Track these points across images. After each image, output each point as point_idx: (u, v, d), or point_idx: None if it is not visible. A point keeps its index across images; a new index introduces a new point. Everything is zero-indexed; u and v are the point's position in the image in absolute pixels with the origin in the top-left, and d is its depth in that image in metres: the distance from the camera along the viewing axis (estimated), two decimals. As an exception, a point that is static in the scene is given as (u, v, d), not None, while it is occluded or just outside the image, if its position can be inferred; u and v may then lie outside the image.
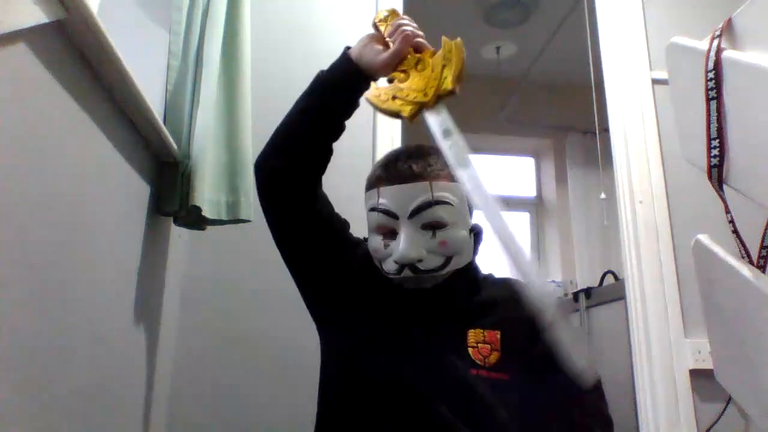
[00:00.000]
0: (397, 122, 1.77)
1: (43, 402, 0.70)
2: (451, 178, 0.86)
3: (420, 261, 0.83)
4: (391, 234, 0.86)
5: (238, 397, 1.47)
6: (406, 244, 0.82)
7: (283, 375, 1.48)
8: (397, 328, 0.88)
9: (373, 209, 0.87)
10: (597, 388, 0.90)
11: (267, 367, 1.49)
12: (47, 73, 0.67)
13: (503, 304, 0.91)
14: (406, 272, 0.84)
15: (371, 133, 1.75)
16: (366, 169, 1.73)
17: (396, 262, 0.84)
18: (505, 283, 0.97)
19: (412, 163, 0.86)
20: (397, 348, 0.86)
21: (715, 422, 1.59)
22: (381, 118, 1.75)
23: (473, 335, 0.86)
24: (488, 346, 0.85)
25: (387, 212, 0.85)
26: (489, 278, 0.98)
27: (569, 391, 0.85)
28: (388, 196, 0.85)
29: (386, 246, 0.86)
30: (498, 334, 0.86)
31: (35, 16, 0.60)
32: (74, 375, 0.78)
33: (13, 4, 0.56)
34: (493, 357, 0.84)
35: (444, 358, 0.84)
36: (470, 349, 0.84)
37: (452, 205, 0.85)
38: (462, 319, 0.89)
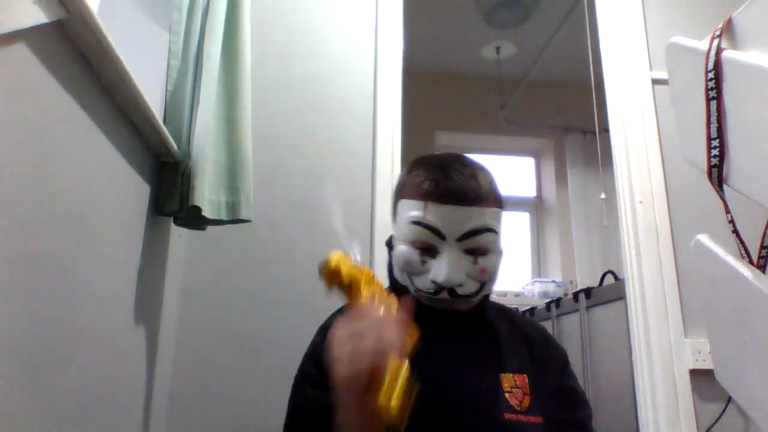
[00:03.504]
0: (397, 125, 1.77)
1: (43, 402, 0.70)
2: (497, 202, 0.86)
3: (460, 286, 0.82)
4: (428, 251, 0.83)
5: (238, 397, 1.47)
6: (451, 268, 0.81)
7: (284, 375, 1.47)
8: (435, 359, 0.85)
9: (416, 222, 0.83)
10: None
11: (267, 366, 1.49)
12: (47, 73, 0.67)
13: (523, 344, 0.92)
14: (443, 294, 0.83)
15: (371, 134, 1.75)
16: (366, 171, 1.75)
17: (434, 282, 0.82)
18: (509, 315, 0.97)
19: (466, 184, 0.83)
20: (438, 388, 0.82)
21: (715, 422, 1.59)
22: (381, 119, 1.76)
23: (506, 380, 0.85)
24: (520, 390, 0.85)
25: (434, 230, 0.82)
26: (490, 304, 0.97)
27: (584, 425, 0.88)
28: (437, 214, 0.82)
29: (423, 262, 0.83)
30: (526, 378, 0.86)
31: (35, 16, 0.60)
32: (74, 375, 0.78)
33: (13, 4, 0.56)
34: (526, 401, 0.84)
35: (485, 404, 0.83)
36: (507, 394, 0.84)
37: (497, 232, 0.84)
38: (494, 361, 0.88)
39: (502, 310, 0.98)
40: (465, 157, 0.90)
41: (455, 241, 0.82)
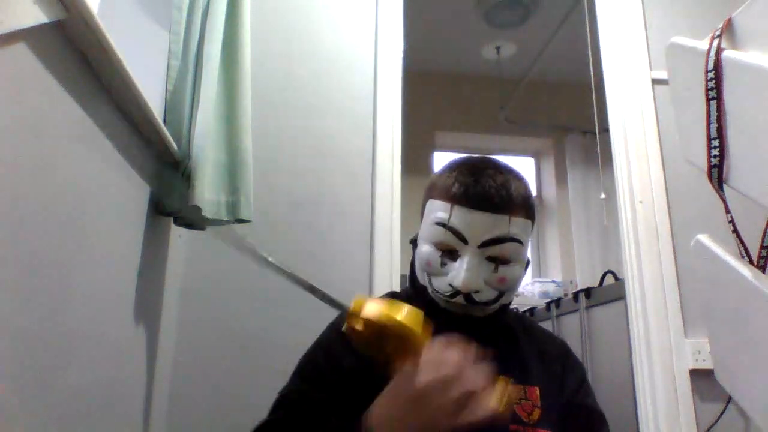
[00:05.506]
0: (397, 125, 1.77)
1: (43, 402, 0.70)
2: (527, 213, 0.85)
3: (477, 292, 0.82)
4: (450, 253, 0.83)
5: (238, 397, 1.47)
6: (469, 273, 0.80)
7: (284, 375, 1.48)
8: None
9: (441, 224, 0.83)
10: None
11: (267, 366, 1.49)
12: (47, 73, 0.67)
13: (538, 357, 0.91)
14: (459, 299, 0.83)
15: (371, 134, 1.75)
16: (366, 171, 1.75)
17: (451, 286, 0.82)
18: (527, 325, 0.96)
19: (496, 191, 0.82)
20: None
21: (715, 422, 1.59)
22: (381, 119, 1.76)
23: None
24: (530, 402, 0.84)
25: (457, 234, 0.82)
26: (509, 312, 0.96)
27: None
28: (462, 219, 0.82)
29: (443, 264, 0.83)
30: (537, 390, 0.85)
31: (35, 16, 0.60)
32: (74, 375, 0.78)
33: (13, 4, 0.56)
34: (536, 414, 0.83)
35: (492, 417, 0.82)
36: (514, 406, 0.82)
37: (522, 243, 0.84)
38: (503, 371, 0.87)
39: (521, 320, 0.97)
40: (502, 164, 0.88)
41: (477, 247, 0.81)
